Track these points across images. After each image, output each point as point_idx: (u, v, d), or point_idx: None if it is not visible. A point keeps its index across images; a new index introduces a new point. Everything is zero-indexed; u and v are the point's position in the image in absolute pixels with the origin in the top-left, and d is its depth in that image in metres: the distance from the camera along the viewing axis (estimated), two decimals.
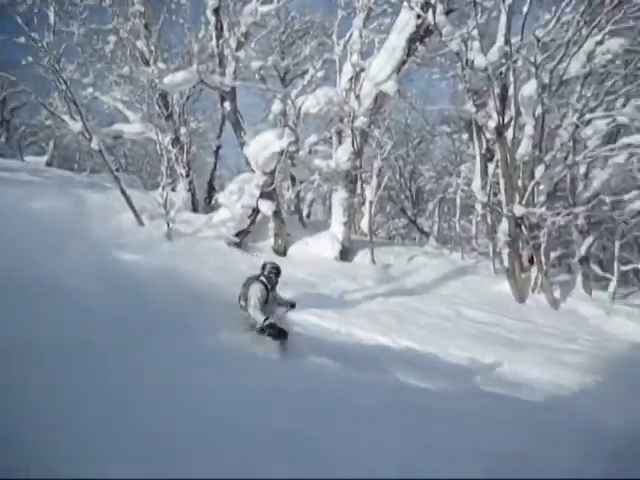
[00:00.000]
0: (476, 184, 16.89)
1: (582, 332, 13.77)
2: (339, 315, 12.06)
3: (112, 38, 21.12)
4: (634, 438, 7.01)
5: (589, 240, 16.52)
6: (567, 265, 18.55)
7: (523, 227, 15.37)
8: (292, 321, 9.83)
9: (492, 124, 15.78)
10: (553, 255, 17.38)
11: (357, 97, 17.69)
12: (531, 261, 15.85)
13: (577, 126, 15.41)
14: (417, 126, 26.15)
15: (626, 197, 15.36)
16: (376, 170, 18.58)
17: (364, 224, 18.44)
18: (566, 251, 18.58)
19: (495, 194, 16.60)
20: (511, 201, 15.12)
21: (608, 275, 16.50)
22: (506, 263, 15.78)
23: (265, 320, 8.38)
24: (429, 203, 28.16)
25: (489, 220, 16.91)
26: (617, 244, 16.43)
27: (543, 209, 15.16)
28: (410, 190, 27.61)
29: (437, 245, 21.69)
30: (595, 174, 16.82)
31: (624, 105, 16.14)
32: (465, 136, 21.18)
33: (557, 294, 15.79)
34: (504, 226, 15.73)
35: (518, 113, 15.30)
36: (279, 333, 8.54)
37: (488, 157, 17.02)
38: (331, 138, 19.04)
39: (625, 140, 15.71)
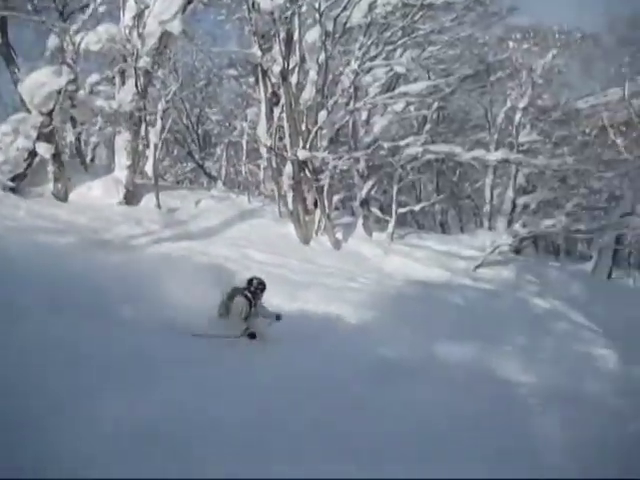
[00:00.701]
0: (261, 128, 17.00)
1: (363, 271, 14.48)
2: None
3: None
4: (398, 361, 8.49)
5: (369, 184, 17.25)
6: (350, 208, 19.29)
7: (307, 171, 15.72)
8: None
9: (277, 68, 15.86)
10: (336, 198, 18.02)
11: (140, 35, 16.98)
12: (315, 204, 16.28)
13: (358, 74, 15.87)
14: (204, 68, 25.70)
15: (403, 143, 16.15)
16: (161, 112, 18.09)
17: (149, 168, 17.96)
18: (349, 194, 19.29)
19: (281, 138, 16.76)
20: (295, 145, 15.40)
21: (387, 217, 17.41)
22: (291, 206, 16.09)
23: (246, 329, 8.34)
24: (217, 147, 27.94)
25: (274, 164, 17.07)
26: (395, 188, 17.35)
27: (326, 153, 15.59)
28: (197, 133, 27.13)
29: (225, 189, 21.64)
30: (375, 120, 17.54)
31: (401, 55, 16.87)
32: (252, 80, 21.12)
33: (339, 236, 16.40)
34: (289, 170, 15.98)
35: (302, 59, 15.53)
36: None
37: (274, 101, 17.12)
38: (114, 78, 18.18)
39: (402, 89, 16.48)
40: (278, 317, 9.01)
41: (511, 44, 21.21)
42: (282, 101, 16.15)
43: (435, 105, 18.70)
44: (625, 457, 7.32)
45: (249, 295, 8.70)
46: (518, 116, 21.14)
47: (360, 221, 17.08)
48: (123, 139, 17.74)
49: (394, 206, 17.10)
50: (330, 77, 16.42)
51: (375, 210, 17.90)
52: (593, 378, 10.81)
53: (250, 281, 8.93)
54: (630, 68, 24.02)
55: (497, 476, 5.79)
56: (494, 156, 17.05)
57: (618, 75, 24.57)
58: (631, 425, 8.73)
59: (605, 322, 13.80)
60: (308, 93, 15.71)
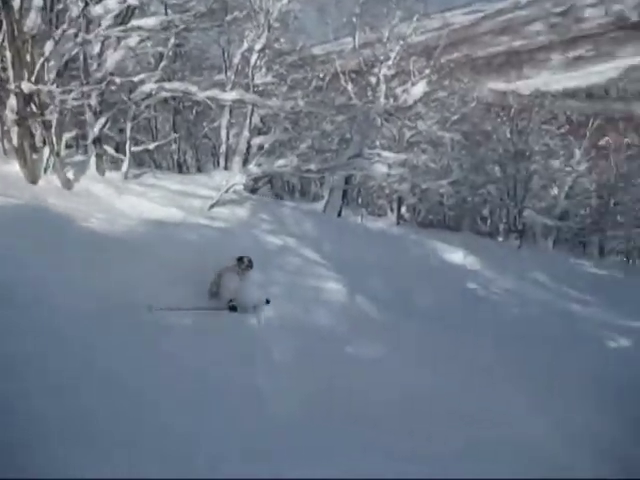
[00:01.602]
0: None
1: (95, 211, 14.08)
2: None
3: None
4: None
5: (102, 121, 16.55)
6: (83, 146, 18.55)
7: (33, 105, 14.77)
8: None
9: None
10: (68, 136, 17.10)
11: None
12: (44, 141, 15.41)
13: (88, 3, 15.03)
14: None
15: (136, 79, 15.78)
16: None
17: None
18: (81, 132, 18.49)
19: (4, 69, 15.48)
20: (19, 77, 14.36)
21: (122, 156, 17.02)
22: (16, 143, 15.05)
23: (229, 302, 10.17)
24: None
25: None
26: (129, 125, 16.97)
27: (53, 87, 14.73)
28: None
29: None
30: (108, 54, 16.84)
31: None
32: None
33: (71, 175, 15.72)
34: (13, 103, 14.84)
35: None
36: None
37: None
38: None
39: (136, 22, 15.99)
40: (268, 301, 10.60)
41: None
42: (3, 28, 14.88)
43: (172, 42, 18.43)
44: (343, 376, 8.31)
45: (239, 272, 10.41)
46: (254, 58, 21.58)
47: (93, 160, 16.47)
48: None
49: (128, 144, 16.74)
50: (61, 5, 15.44)
51: (109, 148, 17.37)
52: (324, 310, 11.73)
53: (240, 259, 10.55)
54: (360, 19, 25.52)
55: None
56: (229, 96, 17.25)
57: (350, 25, 26.04)
58: (349, 347, 9.84)
59: (335, 258, 14.82)
60: (32, 20, 14.56)
